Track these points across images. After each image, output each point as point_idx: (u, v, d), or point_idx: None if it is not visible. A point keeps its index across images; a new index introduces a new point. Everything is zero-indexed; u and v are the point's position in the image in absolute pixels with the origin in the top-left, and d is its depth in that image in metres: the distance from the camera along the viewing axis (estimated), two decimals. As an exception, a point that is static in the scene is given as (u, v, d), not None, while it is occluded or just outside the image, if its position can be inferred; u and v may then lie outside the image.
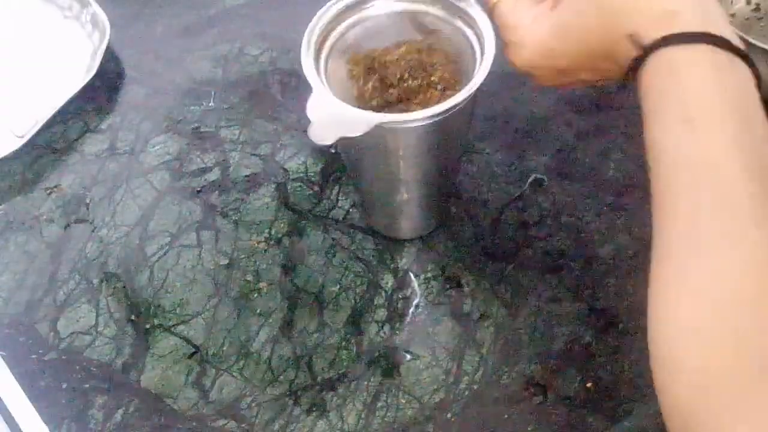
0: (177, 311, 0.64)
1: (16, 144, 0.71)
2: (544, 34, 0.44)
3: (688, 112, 0.34)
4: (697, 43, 0.35)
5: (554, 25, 0.43)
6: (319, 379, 0.60)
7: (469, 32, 0.54)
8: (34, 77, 0.79)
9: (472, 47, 0.53)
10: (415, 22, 0.57)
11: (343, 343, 0.61)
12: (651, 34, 0.37)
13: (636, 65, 0.38)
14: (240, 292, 0.64)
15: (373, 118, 0.48)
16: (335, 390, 0.59)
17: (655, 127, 0.36)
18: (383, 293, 0.64)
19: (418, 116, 0.49)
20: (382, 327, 0.62)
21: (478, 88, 0.51)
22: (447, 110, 0.49)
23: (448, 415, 0.57)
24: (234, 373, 0.60)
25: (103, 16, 0.79)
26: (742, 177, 0.33)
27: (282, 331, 0.62)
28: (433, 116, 0.49)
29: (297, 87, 0.78)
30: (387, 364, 0.60)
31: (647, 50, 0.37)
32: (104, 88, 0.79)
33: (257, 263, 0.66)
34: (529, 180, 0.69)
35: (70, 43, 0.81)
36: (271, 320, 0.63)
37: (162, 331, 0.63)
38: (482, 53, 0.51)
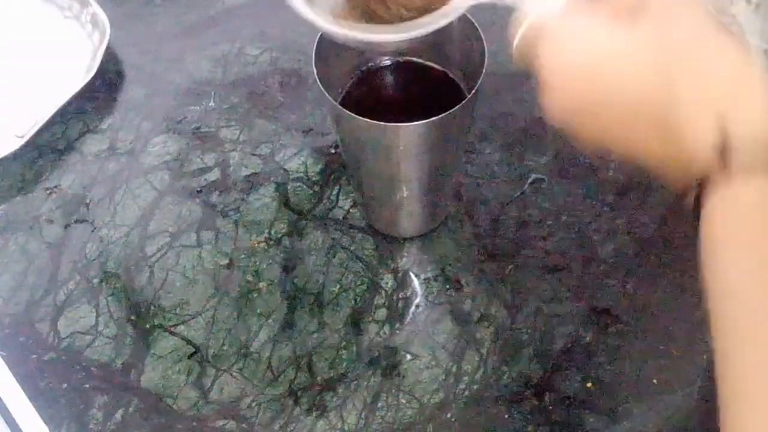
0: (177, 311, 0.64)
1: (16, 144, 0.71)
2: (595, 55, 0.34)
3: None
4: None
5: (625, 42, 0.34)
6: (319, 379, 0.60)
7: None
8: (34, 77, 0.79)
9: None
10: None
11: (343, 343, 0.61)
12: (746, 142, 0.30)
13: (723, 164, 0.30)
14: (240, 292, 0.64)
15: None
16: (335, 390, 0.59)
17: (735, 259, 0.30)
18: (383, 293, 0.64)
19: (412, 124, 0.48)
20: (382, 327, 0.62)
21: (478, 88, 0.51)
22: (448, 111, 0.49)
23: (448, 415, 0.57)
24: (234, 373, 0.60)
25: (103, 16, 0.78)
26: None
27: (282, 331, 0.62)
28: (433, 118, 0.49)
29: (297, 87, 0.78)
30: (387, 364, 0.60)
31: (735, 174, 0.30)
32: (104, 88, 0.79)
33: (257, 263, 0.66)
34: (529, 180, 0.69)
35: (70, 43, 0.81)
36: (271, 320, 0.63)
37: (162, 331, 0.63)
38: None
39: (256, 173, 0.72)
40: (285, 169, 0.72)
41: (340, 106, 0.51)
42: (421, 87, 0.61)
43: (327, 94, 0.51)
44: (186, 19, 0.85)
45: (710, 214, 0.31)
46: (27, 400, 0.59)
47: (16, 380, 0.60)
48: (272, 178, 0.71)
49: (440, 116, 0.49)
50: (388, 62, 0.60)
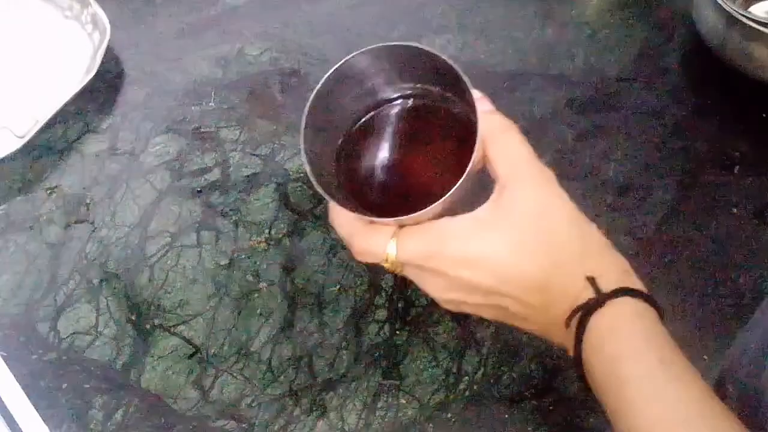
0: (177, 311, 0.64)
1: (16, 144, 0.71)
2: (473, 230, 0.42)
3: (664, 354, 0.39)
4: (643, 299, 0.41)
5: (501, 229, 0.42)
6: (319, 379, 0.60)
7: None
8: (34, 77, 0.79)
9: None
10: None
11: (343, 343, 0.61)
12: (611, 283, 0.41)
13: (590, 307, 0.40)
14: (240, 292, 0.64)
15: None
16: (335, 390, 0.59)
17: (636, 365, 0.39)
18: (383, 293, 0.64)
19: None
20: (382, 327, 0.62)
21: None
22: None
23: (448, 415, 0.57)
24: (234, 373, 0.60)
25: (103, 16, 0.79)
26: (723, 410, 0.37)
27: (282, 331, 0.62)
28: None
29: (297, 87, 0.78)
30: (387, 364, 0.60)
31: (608, 295, 0.40)
32: (104, 88, 0.79)
33: (257, 263, 0.66)
34: (529, 180, 0.69)
35: (70, 43, 0.81)
36: (271, 320, 0.63)
37: (162, 331, 0.63)
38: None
39: (256, 173, 0.72)
40: (285, 169, 0.72)
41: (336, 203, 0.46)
42: (425, 124, 0.56)
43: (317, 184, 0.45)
44: (186, 19, 0.85)
45: (600, 327, 0.40)
46: (27, 400, 0.59)
47: (16, 380, 0.60)
48: (272, 178, 0.71)
49: (441, 200, 0.43)
50: (392, 106, 0.54)
